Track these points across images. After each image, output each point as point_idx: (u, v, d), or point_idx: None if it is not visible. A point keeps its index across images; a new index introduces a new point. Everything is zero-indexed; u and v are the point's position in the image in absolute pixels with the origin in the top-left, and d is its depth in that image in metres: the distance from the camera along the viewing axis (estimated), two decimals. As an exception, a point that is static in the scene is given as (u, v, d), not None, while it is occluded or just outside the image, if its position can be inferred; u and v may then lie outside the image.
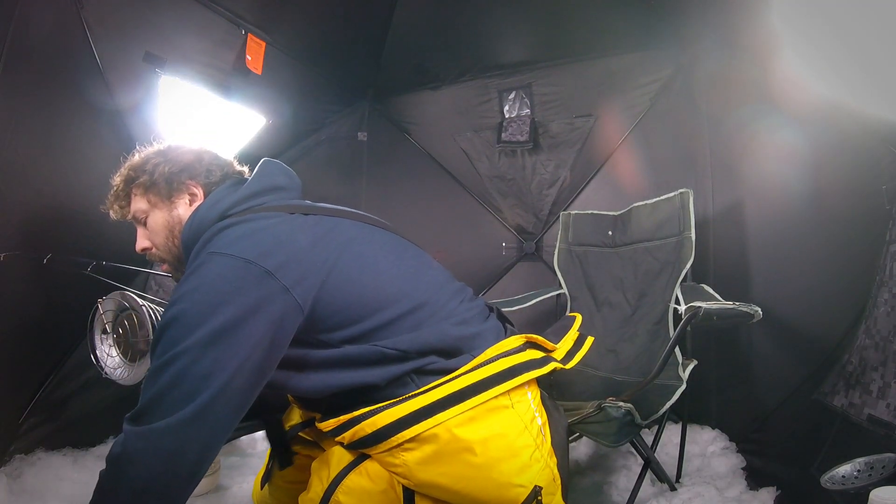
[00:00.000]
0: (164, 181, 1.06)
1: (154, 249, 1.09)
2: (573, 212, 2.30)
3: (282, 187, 1.04)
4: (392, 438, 0.85)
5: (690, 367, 1.63)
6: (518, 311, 2.16)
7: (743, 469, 1.77)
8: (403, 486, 0.88)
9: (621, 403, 1.32)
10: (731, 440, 1.92)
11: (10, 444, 1.67)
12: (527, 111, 2.49)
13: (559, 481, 0.95)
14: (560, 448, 0.98)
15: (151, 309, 1.60)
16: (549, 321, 2.26)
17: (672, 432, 1.90)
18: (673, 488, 1.66)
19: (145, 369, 1.59)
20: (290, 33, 2.18)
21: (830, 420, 1.44)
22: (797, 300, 1.72)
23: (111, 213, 1.13)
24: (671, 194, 1.97)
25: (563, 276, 2.23)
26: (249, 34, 1.98)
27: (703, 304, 1.39)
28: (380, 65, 2.66)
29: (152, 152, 1.11)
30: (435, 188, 2.77)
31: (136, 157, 1.12)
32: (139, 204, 1.08)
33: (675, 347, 1.65)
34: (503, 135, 2.51)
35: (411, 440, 0.84)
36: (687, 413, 1.83)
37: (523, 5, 2.28)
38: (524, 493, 0.87)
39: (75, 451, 1.77)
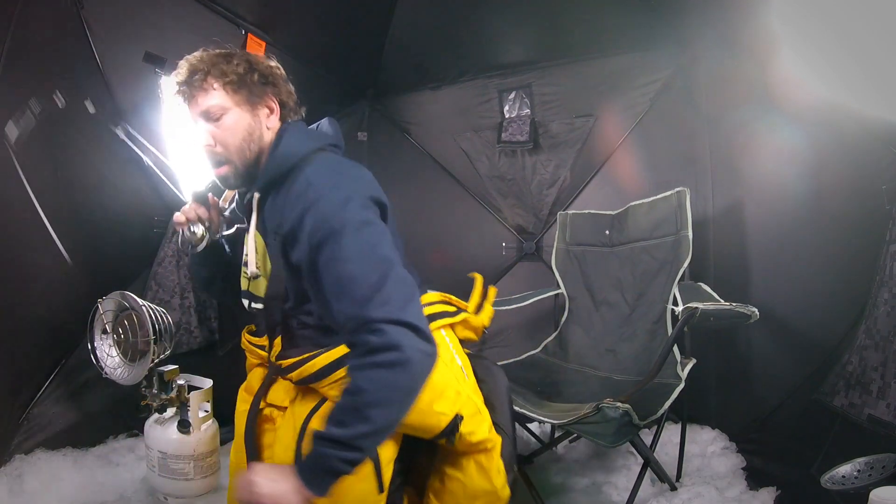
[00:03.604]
0: (255, 86, 1.04)
1: (219, 148, 1.03)
2: (571, 212, 2.30)
3: (342, 147, 1.14)
4: (332, 375, 1.00)
5: (689, 365, 1.63)
6: (516, 311, 2.17)
7: (743, 469, 1.77)
8: None
9: (619, 404, 1.31)
10: (731, 440, 1.92)
11: (10, 444, 1.67)
12: (527, 111, 2.49)
13: (486, 414, 1.13)
14: (499, 398, 1.20)
15: (151, 309, 1.60)
16: (548, 321, 2.26)
17: (672, 432, 1.90)
18: (673, 488, 1.66)
19: (145, 369, 1.59)
20: (290, 33, 2.18)
21: (830, 420, 1.45)
22: (797, 300, 1.72)
23: (189, 95, 1.03)
24: (667, 193, 1.97)
25: (561, 275, 2.23)
26: (249, 34, 1.98)
27: (700, 305, 1.39)
28: (380, 65, 2.66)
29: (237, 53, 1.06)
30: (435, 188, 2.77)
31: (219, 51, 1.05)
32: (218, 99, 1.02)
33: (672, 347, 1.65)
34: (503, 135, 2.51)
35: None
36: (687, 413, 1.83)
37: (523, 5, 2.28)
38: (446, 420, 1.04)
39: (75, 451, 1.77)
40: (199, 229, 1.14)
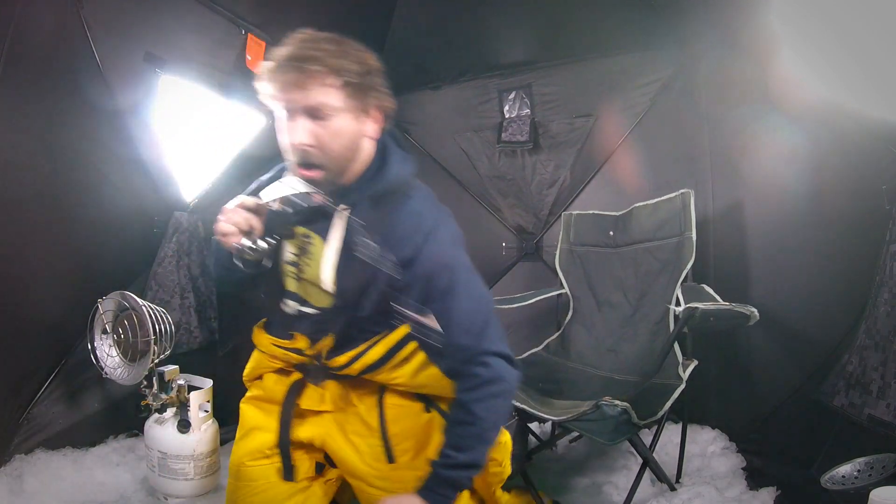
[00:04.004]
0: (370, 91, 0.99)
1: (317, 151, 0.97)
2: (575, 212, 2.30)
3: None
4: (392, 360, 1.07)
5: (691, 366, 1.63)
6: (518, 310, 2.17)
7: (743, 469, 1.77)
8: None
9: (617, 402, 1.33)
10: (731, 440, 1.92)
11: (10, 444, 1.67)
12: (527, 111, 2.49)
13: None
14: None
15: (151, 309, 1.60)
16: (548, 320, 2.26)
17: (672, 432, 1.90)
18: (672, 488, 1.66)
19: (145, 369, 1.59)
20: (290, 33, 2.17)
21: (830, 420, 1.45)
22: (797, 300, 1.72)
23: (299, 84, 0.93)
24: (672, 195, 1.97)
25: (564, 275, 2.23)
26: (249, 34, 1.98)
27: (700, 305, 1.40)
28: (380, 64, 2.66)
29: (358, 48, 1.00)
30: (435, 188, 2.69)
31: (339, 41, 0.98)
32: (333, 99, 0.95)
33: (671, 347, 1.65)
34: (503, 135, 2.51)
35: (406, 358, 1.08)
36: (687, 413, 1.83)
37: (523, 5, 2.28)
38: None
39: (75, 451, 1.77)
40: (262, 243, 1.03)
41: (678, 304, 1.80)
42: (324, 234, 1.06)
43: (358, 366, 1.08)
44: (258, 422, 1.16)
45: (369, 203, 1.04)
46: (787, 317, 1.74)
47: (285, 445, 1.13)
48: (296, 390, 1.15)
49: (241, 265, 1.07)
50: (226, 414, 1.74)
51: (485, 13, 2.32)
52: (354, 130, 0.99)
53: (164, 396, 1.61)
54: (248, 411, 1.19)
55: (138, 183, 1.91)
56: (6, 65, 1.38)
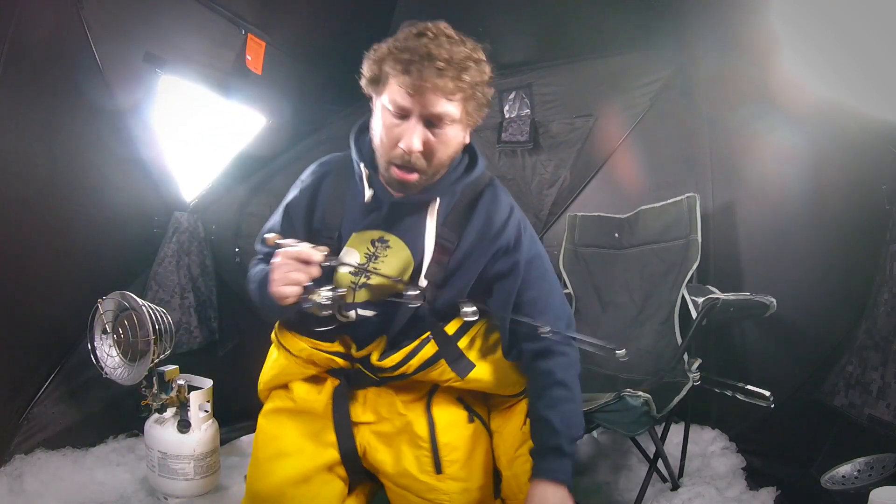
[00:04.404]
0: (482, 102, 0.97)
1: (423, 157, 0.93)
2: (580, 213, 2.30)
3: None
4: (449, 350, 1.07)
5: (696, 364, 1.64)
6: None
7: (743, 469, 1.77)
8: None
9: (640, 393, 1.35)
10: (731, 440, 1.91)
11: (10, 444, 1.67)
12: (527, 111, 2.49)
13: None
14: None
15: (151, 309, 1.60)
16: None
17: (672, 432, 1.90)
18: (676, 486, 1.67)
19: (145, 369, 1.59)
20: (290, 33, 2.18)
21: (830, 420, 1.45)
22: (797, 300, 1.72)
23: (436, 88, 0.87)
24: (678, 198, 1.97)
25: (568, 276, 2.23)
26: (249, 34, 1.98)
27: (721, 295, 1.40)
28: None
29: (488, 67, 0.96)
30: None
31: (470, 45, 0.94)
32: (454, 108, 0.92)
33: (690, 339, 1.65)
34: (503, 135, 2.51)
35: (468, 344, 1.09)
36: (690, 412, 1.83)
37: (523, 5, 2.27)
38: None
39: (75, 451, 1.77)
40: (328, 293, 0.94)
41: (684, 304, 1.80)
42: (403, 233, 1.04)
43: (416, 361, 1.05)
44: (294, 440, 1.08)
45: (461, 198, 1.05)
46: (787, 317, 1.73)
47: (352, 460, 1.08)
48: (341, 398, 1.09)
49: (315, 324, 1.00)
50: (226, 414, 1.75)
51: (485, 13, 2.31)
52: (461, 139, 0.99)
53: (164, 396, 1.61)
54: (277, 427, 1.10)
55: (138, 183, 1.91)
56: (6, 65, 1.38)
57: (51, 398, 1.77)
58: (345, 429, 1.08)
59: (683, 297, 1.82)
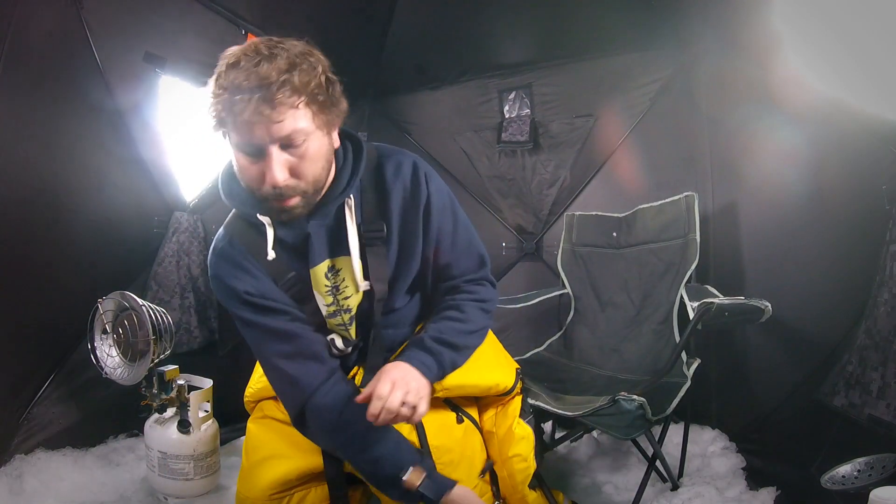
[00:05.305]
0: (337, 99, 0.90)
1: (293, 181, 0.87)
2: (577, 213, 2.30)
3: None
4: None
5: (695, 365, 1.64)
6: (520, 310, 2.17)
7: (743, 469, 1.76)
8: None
9: (635, 397, 1.34)
10: (731, 440, 1.92)
11: (10, 444, 1.67)
12: (527, 111, 2.49)
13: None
14: None
15: (151, 309, 1.60)
16: (549, 320, 2.26)
17: (672, 432, 1.90)
18: (676, 486, 1.67)
19: (145, 369, 1.59)
20: (290, 33, 2.17)
21: (830, 420, 1.44)
22: (797, 300, 1.72)
23: (269, 115, 0.80)
24: (676, 197, 1.97)
25: (566, 275, 2.23)
26: (249, 34, 1.98)
27: (716, 300, 1.40)
28: (380, 65, 2.66)
29: (313, 53, 0.88)
30: None
31: (291, 48, 0.85)
32: (302, 122, 0.83)
33: (686, 342, 1.65)
34: (503, 135, 2.51)
35: None
36: (689, 413, 1.83)
37: (523, 5, 2.27)
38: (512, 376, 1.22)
39: (75, 451, 1.77)
40: (342, 346, 1.09)
41: (683, 304, 1.80)
42: (342, 251, 1.02)
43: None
44: (276, 447, 1.08)
45: (366, 185, 1.03)
46: (787, 317, 1.73)
47: (337, 474, 1.07)
48: None
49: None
50: (226, 414, 1.75)
51: (485, 13, 2.32)
52: (328, 148, 0.91)
53: (164, 396, 1.61)
54: (261, 434, 1.11)
55: (138, 183, 1.91)
56: (6, 65, 1.38)
57: (51, 398, 1.77)
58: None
59: (682, 296, 1.82)
